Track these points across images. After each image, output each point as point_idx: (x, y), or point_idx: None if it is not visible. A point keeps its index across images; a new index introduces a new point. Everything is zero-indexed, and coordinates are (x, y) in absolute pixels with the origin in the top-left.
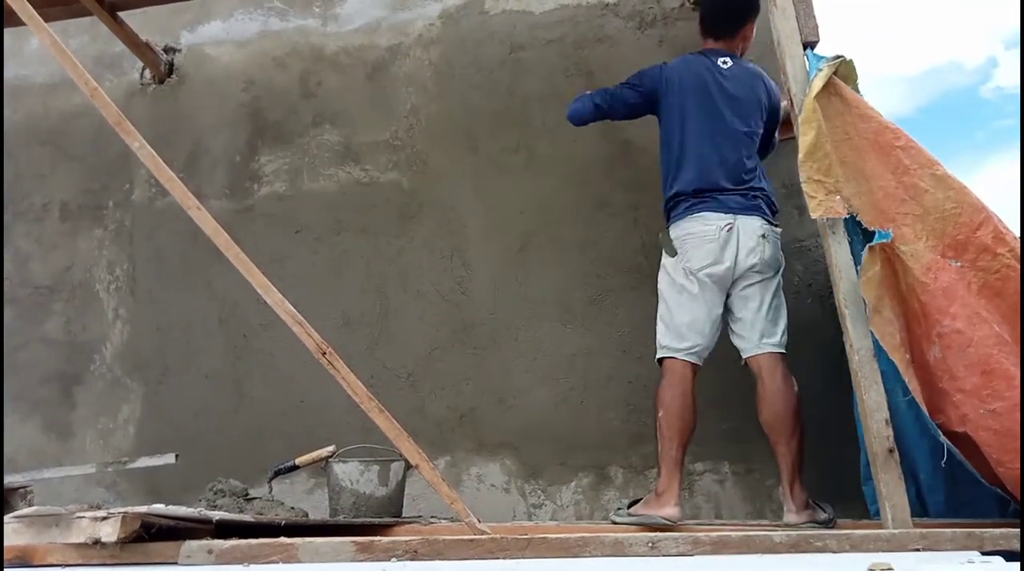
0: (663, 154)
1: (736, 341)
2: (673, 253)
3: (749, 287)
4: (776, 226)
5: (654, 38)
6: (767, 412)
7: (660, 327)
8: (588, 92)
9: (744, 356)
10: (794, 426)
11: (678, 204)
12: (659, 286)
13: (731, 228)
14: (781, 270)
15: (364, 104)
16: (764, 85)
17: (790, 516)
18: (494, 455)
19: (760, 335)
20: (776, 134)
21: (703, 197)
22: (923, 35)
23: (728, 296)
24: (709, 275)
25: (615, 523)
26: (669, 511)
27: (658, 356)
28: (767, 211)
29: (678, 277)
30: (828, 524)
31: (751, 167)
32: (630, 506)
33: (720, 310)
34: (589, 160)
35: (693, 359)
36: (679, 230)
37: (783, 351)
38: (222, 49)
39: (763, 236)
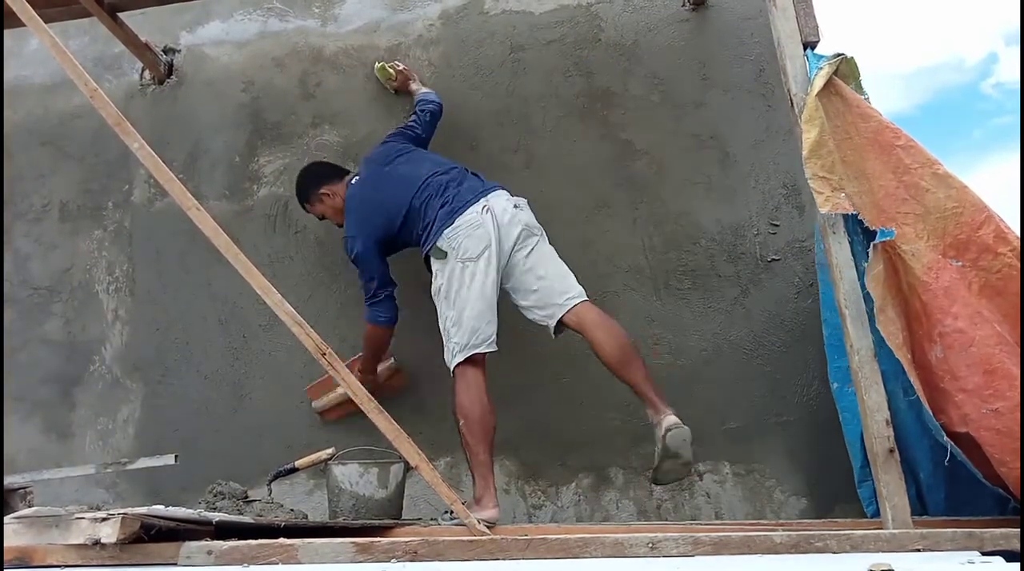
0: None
1: (539, 313)
2: (443, 255)
3: (531, 254)
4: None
5: (655, 39)
6: (609, 353)
7: (452, 331)
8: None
9: (559, 317)
10: (633, 353)
11: (435, 230)
12: (438, 297)
13: (487, 208)
14: (543, 233)
15: (364, 105)
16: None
17: (665, 417)
18: (494, 456)
19: (563, 292)
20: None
21: (448, 209)
22: (922, 32)
23: (510, 277)
24: (489, 256)
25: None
26: (488, 513)
27: (457, 362)
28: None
29: (456, 274)
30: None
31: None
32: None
33: (497, 291)
34: (589, 160)
35: (491, 348)
36: (447, 234)
37: (586, 297)
38: (221, 50)
39: (515, 206)
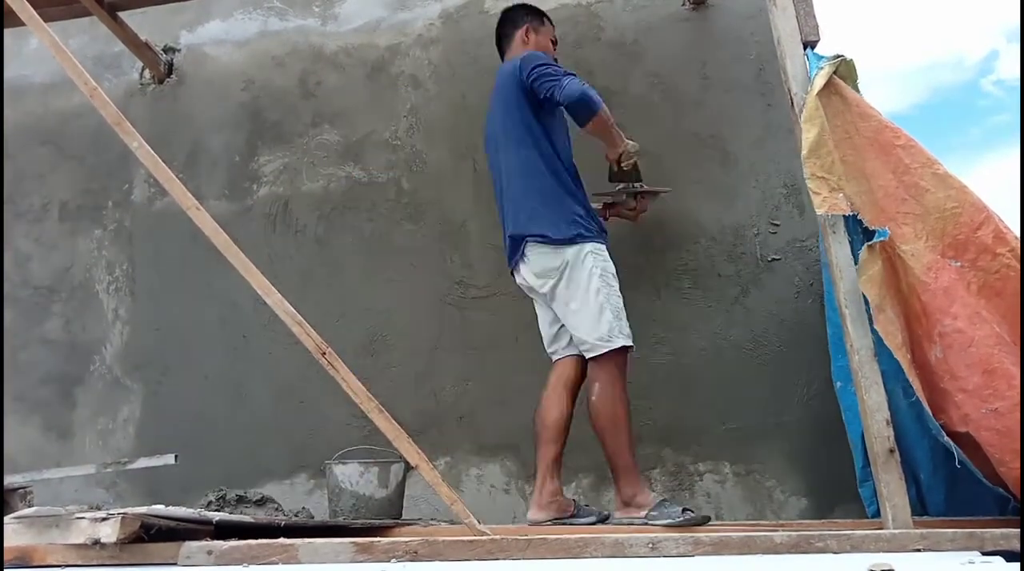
0: None
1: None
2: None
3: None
4: (538, 237)
5: (655, 38)
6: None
7: None
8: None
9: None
10: (550, 433)
11: None
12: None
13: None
14: (562, 272)
15: (364, 104)
16: (510, 68)
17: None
18: (494, 456)
19: (548, 343)
20: (542, 86)
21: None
22: (923, 30)
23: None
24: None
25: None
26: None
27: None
28: (528, 232)
29: None
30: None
31: (520, 185)
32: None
33: (548, 316)
34: (589, 160)
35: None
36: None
37: (574, 353)
38: (221, 49)
39: (520, 258)
